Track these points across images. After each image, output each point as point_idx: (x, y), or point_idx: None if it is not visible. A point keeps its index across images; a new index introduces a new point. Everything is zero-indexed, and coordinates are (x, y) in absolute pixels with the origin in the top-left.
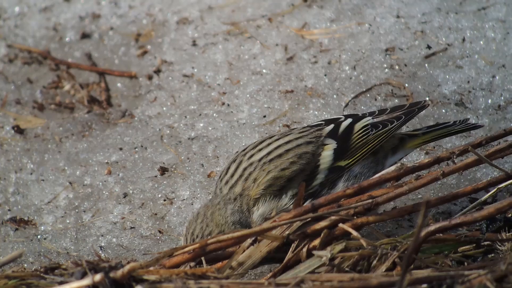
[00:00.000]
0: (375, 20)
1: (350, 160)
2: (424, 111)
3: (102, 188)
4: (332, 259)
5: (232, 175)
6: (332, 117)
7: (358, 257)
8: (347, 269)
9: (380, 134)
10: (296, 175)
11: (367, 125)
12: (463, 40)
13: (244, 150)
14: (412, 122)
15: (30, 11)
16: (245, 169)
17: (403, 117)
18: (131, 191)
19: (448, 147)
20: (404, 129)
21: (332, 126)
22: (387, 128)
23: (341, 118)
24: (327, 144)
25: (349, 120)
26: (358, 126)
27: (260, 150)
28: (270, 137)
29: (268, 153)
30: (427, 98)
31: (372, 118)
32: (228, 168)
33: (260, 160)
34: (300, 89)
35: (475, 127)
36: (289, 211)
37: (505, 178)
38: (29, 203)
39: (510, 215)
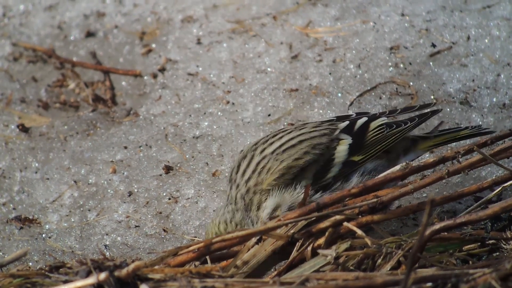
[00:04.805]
0: (379, 18)
1: (364, 156)
2: (428, 109)
3: (107, 187)
4: (337, 258)
5: (243, 172)
6: (342, 114)
7: (363, 256)
8: (352, 268)
9: (394, 133)
10: (309, 165)
11: (382, 124)
12: (468, 38)
13: (255, 145)
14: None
15: (35, 9)
16: (258, 163)
17: (417, 119)
18: (135, 190)
19: (453, 146)
20: (417, 131)
21: (347, 122)
22: (401, 128)
23: (352, 115)
24: (343, 139)
25: (365, 119)
26: (374, 124)
27: (271, 143)
28: (283, 131)
29: (281, 145)
30: (432, 97)
31: (387, 118)
32: (239, 165)
33: (273, 152)
34: (305, 88)
35: (487, 132)
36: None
37: (510, 177)
38: (34, 202)
39: None
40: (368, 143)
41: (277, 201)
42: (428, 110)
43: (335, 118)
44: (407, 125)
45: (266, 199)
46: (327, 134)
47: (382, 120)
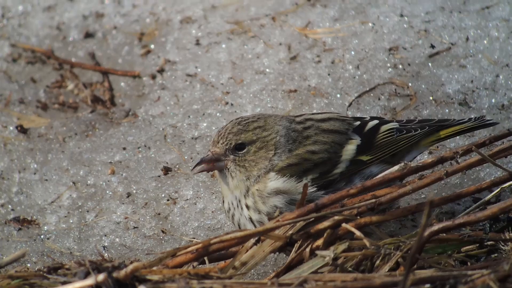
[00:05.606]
0: (378, 19)
1: (372, 157)
2: (427, 110)
3: (106, 188)
4: (335, 259)
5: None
6: (357, 116)
7: (361, 257)
8: (350, 269)
9: (403, 138)
10: (322, 162)
11: (393, 128)
12: (467, 39)
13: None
14: None
15: (34, 10)
16: (309, 118)
17: (427, 127)
18: (134, 191)
19: (451, 147)
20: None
21: (358, 122)
22: (411, 133)
23: (366, 117)
24: (353, 139)
25: (376, 121)
26: (384, 127)
27: (313, 113)
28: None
29: (323, 120)
30: (431, 98)
31: (399, 125)
32: None
33: (317, 121)
34: (304, 89)
35: (491, 124)
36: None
37: (508, 178)
38: (32, 203)
39: None
40: (377, 145)
41: (283, 187)
42: (447, 123)
43: (352, 117)
44: (417, 132)
45: (280, 167)
46: (345, 132)
47: (393, 124)
